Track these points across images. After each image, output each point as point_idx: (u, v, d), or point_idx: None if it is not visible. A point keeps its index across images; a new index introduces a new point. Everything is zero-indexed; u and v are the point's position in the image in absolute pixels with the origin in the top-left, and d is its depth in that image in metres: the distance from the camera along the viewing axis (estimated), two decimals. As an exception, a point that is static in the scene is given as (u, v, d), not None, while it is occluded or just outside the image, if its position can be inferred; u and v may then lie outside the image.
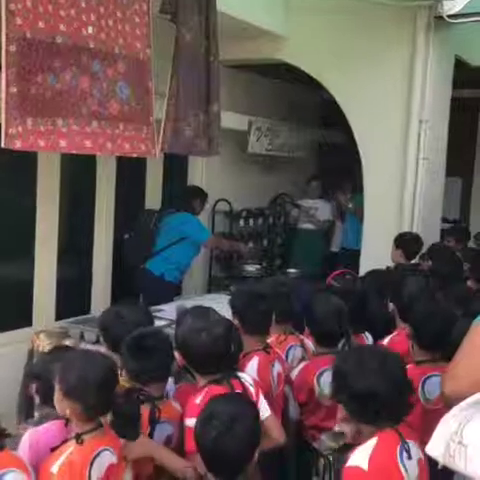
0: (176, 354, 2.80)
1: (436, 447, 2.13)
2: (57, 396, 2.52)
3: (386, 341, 3.66)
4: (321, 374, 3.25)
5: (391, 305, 3.95)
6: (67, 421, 2.56)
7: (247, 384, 2.86)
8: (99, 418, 2.51)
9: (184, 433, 2.69)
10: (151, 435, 2.73)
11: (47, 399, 2.70)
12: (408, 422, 2.55)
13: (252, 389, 2.87)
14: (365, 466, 2.32)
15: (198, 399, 2.67)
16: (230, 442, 2.26)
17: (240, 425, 2.28)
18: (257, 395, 2.87)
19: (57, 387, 2.52)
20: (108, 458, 2.46)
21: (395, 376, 2.46)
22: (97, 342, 4.41)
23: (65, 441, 2.49)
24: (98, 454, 2.43)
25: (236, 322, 3.29)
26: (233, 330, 2.88)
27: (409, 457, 2.37)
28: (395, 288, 3.97)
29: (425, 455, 2.40)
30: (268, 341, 3.44)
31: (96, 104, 4.12)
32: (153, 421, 2.73)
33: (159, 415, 2.75)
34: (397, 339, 3.59)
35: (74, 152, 4.16)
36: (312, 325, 3.43)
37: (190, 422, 2.58)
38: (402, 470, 2.36)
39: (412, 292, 3.72)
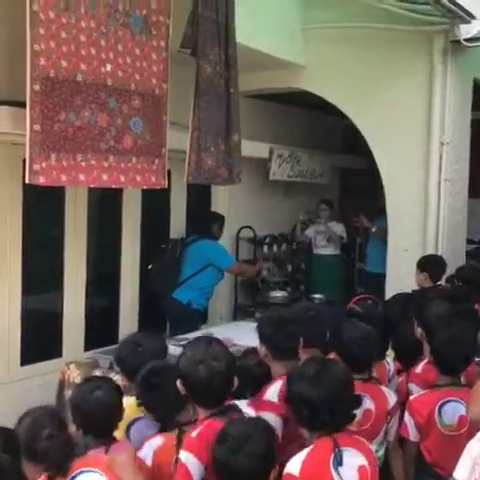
0: (178, 383, 2.70)
1: (462, 471, 2.16)
2: None
3: (419, 368, 3.61)
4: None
5: (419, 330, 3.88)
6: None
7: None
8: None
9: (175, 466, 2.60)
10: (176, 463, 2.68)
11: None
12: (350, 430, 2.62)
13: None
14: (297, 472, 2.42)
15: (195, 432, 2.57)
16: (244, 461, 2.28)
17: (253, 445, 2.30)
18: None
19: None
20: None
21: (330, 383, 2.54)
22: (111, 368, 4.47)
23: None
24: None
25: (264, 349, 3.30)
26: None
27: (340, 464, 2.45)
28: (420, 312, 3.93)
29: (373, 462, 2.55)
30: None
31: (113, 139, 4.26)
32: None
33: None
34: (430, 366, 3.50)
35: (92, 186, 4.30)
36: (342, 350, 3.41)
37: (183, 455, 2.52)
38: (334, 477, 2.44)
39: (433, 316, 3.68)
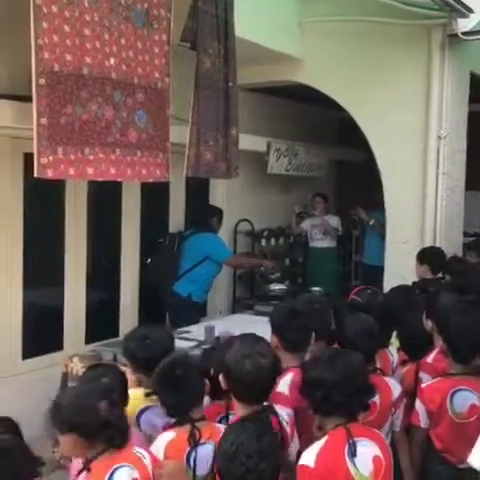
0: (220, 378, 2.75)
1: (477, 457, 2.19)
2: None
3: (431, 358, 3.62)
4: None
5: (429, 322, 3.89)
6: None
7: (284, 424, 2.80)
8: None
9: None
10: (189, 457, 2.71)
11: None
12: (363, 420, 2.68)
13: (288, 429, 2.83)
14: (312, 464, 2.46)
15: None
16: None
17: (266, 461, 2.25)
18: (292, 435, 2.86)
19: None
20: None
21: (344, 367, 2.62)
22: (114, 360, 4.49)
23: None
24: None
25: (275, 340, 3.31)
26: (279, 364, 2.80)
27: (354, 454, 2.49)
28: (430, 303, 3.89)
29: (387, 453, 2.59)
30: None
31: (118, 133, 4.27)
32: (194, 443, 2.72)
33: (200, 436, 2.73)
34: (441, 356, 3.52)
35: (100, 179, 4.31)
36: (344, 343, 3.42)
37: None
38: (350, 467, 2.48)
39: (444, 307, 3.69)
